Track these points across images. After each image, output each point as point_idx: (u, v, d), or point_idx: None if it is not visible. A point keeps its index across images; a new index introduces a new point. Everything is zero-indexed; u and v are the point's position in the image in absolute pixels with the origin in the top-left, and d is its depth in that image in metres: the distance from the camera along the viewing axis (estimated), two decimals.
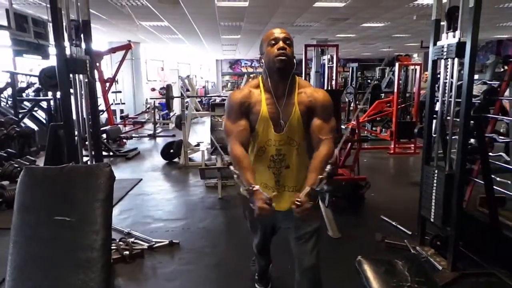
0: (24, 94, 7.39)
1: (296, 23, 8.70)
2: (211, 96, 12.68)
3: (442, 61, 2.54)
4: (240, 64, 22.09)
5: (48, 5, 2.42)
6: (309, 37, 10.68)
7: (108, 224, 1.17)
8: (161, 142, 7.92)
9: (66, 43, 2.53)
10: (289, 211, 1.69)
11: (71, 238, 1.13)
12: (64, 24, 2.51)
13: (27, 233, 1.13)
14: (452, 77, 2.46)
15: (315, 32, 10.02)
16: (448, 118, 2.56)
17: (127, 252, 2.81)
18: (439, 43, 2.53)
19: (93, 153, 2.76)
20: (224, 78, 22.34)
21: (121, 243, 2.93)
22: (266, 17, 7.82)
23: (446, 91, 2.55)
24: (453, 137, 2.56)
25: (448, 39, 2.43)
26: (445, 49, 2.42)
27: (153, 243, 3.03)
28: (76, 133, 2.59)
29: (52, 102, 6.15)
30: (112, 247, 2.84)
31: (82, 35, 2.66)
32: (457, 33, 2.35)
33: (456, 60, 2.39)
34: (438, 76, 2.64)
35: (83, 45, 2.64)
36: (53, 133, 2.47)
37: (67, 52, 2.48)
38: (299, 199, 1.45)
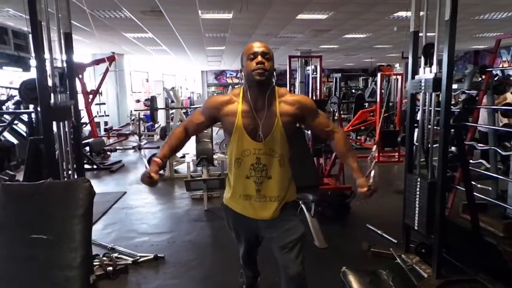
0: (3, 107, 7.21)
1: (280, 35, 8.82)
2: (196, 107, 12.65)
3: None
4: (225, 75, 22.18)
5: (28, 17, 2.39)
6: (293, 48, 10.83)
7: (87, 241, 1.13)
8: (146, 153, 7.83)
9: (47, 55, 2.49)
10: (271, 220, 1.72)
11: (48, 257, 1.09)
12: (44, 36, 2.47)
13: (2, 253, 1.09)
14: (430, 105, 2.56)
15: (298, 43, 10.17)
16: (429, 127, 2.61)
17: (110, 268, 2.73)
18: (417, 77, 2.63)
19: (74, 167, 2.70)
20: (209, 89, 22.36)
21: (104, 258, 2.86)
22: (250, 28, 7.90)
23: (426, 103, 2.61)
24: (434, 145, 2.61)
25: (426, 74, 2.53)
26: (422, 84, 2.53)
27: (138, 257, 2.96)
28: (57, 147, 2.53)
29: (33, 115, 6.02)
30: (95, 263, 2.78)
31: (63, 48, 2.63)
32: (433, 68, 2.46)
33: (433, 94, 2.50)
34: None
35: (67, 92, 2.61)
36: (33, 147, 2.41)
37: (51, 100, 2.44)
38: (369, 184, 1.66)
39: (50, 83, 2.49)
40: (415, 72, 2.71)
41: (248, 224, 1.81)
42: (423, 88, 2.53)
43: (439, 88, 2.38)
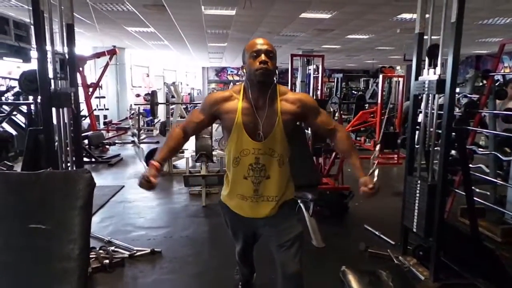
0: (3, 98, 7.17)
1: (283, 33, 8.79)
2: (197, 104, 12.63)
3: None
4: (226, 72, 22.13)
5: (30, 8, 2.36)
6: (295, 47, 10.81)
7: (86, 232, 1.12)
8: (145, 148, 7.80)
9: (48, 47, 2.47)
10: (269, 218, 1.71)
11: (47, 247, 1.07)
12: (46, 27, 2.45)
13: None
14: (433, 108, 2.55)
15: (301, 42, 10.15)
16: (431, 130, 2.61)
17: (107, 261, 2.72)
18: (420, 78, 2.62)
19: (73, 159, 2.68)
20: (210, 86, 22.31)
21: (101, 251, 2.85)
22: (253, 26, 7.88)
23: (429, 105, 2.60)
24: (435, 148, 2.60)
25: (429, 75, 2.52)
26: (426, 85, 2.52)
27: (134, 251, 2.95)
28: (56, 138, 2.51)
29: (32, 106, 6.00)
30: (92, 256, 2.76)
31: (65, 40, 2.61)
32: (438, 69, 2.45)
33: (436, 96, 2.49)
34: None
35: (66, 49, 2.58)
36: (32, 138, 2.39)
37: (52, 86, 2.43)
38: (372, 185, 1.63)
39: (51, 70, 2.47)
40: (418, 73, 2.71)
41: (245, 222, 1.80)
42: (426, 89, 2.52)
43: (442, 90, 2.37)
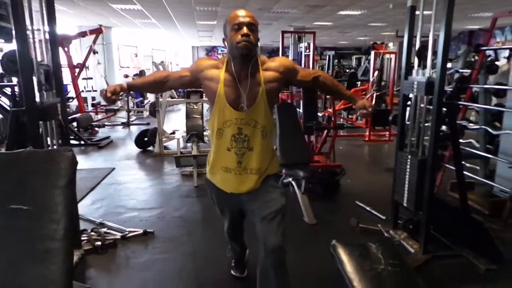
0: None
1: (274, 10, 8.60)
2: None
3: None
4: (216, 51, 21.77)
5: None
6: (286, 24, 10.61)
7: (70, 212, 1.09)
8: (135, 130, 7.72)
9: (28, 26, 2.36)
10: (252, 192, 1.72)
11: (29, 228, 1.04)
12: (25, 4, 2.34)
13: None
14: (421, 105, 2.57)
15: (292, 19, 9.96)
16: (421, 105, 2.60)
17: (99, 243, 2.72)
18: (410, 78, 2.61)
19: (60, 141, 2.62)
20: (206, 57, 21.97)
21: (92, 233, 2.84)
22: (243, 2, 7.68)
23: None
24: (425, 124, 2.60)
25: (419, 76, 2.51)
26: (415, 86, 2.53)
27: (127, 232, 2.95)
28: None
29: (16, 88, 5.83)
30: (84, 238, 2.75)
31: (45, 19, 2.50)
32: (427, 71, 2.43)
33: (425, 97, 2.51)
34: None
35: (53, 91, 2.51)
36: (14, 119, 2.31)
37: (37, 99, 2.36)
38: (367, 106, 1.70)
39: (33, 55, 2.38)
40: (410, 46, 2.66)
41: (230, 198, 1.80)
42: (415, 90, 2.53)
43: (431, 92, 2.38)
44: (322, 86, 1.86)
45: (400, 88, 2.82)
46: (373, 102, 6.57)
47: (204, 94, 4.69)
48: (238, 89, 1.63)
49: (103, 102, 10.19)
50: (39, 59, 2.47)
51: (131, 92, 1.76)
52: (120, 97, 1.71)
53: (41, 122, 2.40)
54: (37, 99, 2.38)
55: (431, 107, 2.46)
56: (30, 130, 2.17)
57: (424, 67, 2.49)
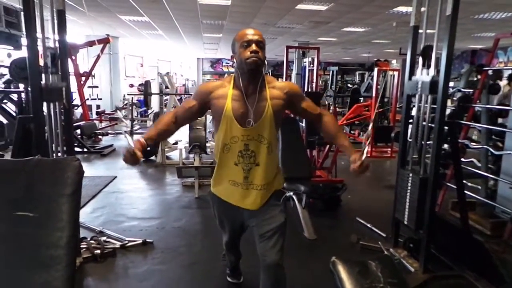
0: None
1: (279, 25, 8.73)
2: (191, 95, 12.53)
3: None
4: (221, 63, 21.97)
5: None
6: (290, 39, 10.74)
7: (74, 220, 1.11)
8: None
9: (39, 35, 2.42)
10: (255, 210, 1.74)
11: (34, 235, 1.06)
12: (37, 13, 2.40)
13: None
14: (426, 102, 2.54)
15: (297, 34, 10.09)
16: (423, 123, 2.61)
17: (98, 251, 2.71)
18: (413, 78, 2.62)
19: (64, 149, 2.65)
20: (205, 77, 22.15)
21: (92, 241, 2.84)
22: (249, 17, 7.81)
23: (422, 99, 2.61)
24: (427, 142, 2.61)
25: (423, 76, 2.52)
26: (419, 86, 2.53)
27: (126, 242, 2.95)
28: (46, 127, 2.48)
29: (23, 95, 5.91)
30: (83, 246, 2.75)
31: (56, 27, 2.55)
32: (431, 70, 2.45)
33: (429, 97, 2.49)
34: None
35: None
36: (21, 126, 2.35)
37: (43, 81, 2.39)
38: (360, 161, 1.63)
39: (41, 63, 2.43)
40: (413, 65, 2.70)
41: (233, 212, 1.81)
42: (419, 90, 2.53)
43: (435, 91, 2.38)
44: (325, 126, 1.82)
45: (404, 87, 2.77)
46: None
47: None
48: (245, 104, 1.66)
49: (108, 110, 10.29)
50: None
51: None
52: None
53: (46, 128, 2.43)
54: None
55: (433, 125, 2.47)
56: (37, 137, 2.20)
57: (429, 66, 2.48)
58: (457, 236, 2.70)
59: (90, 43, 8.60)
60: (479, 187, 3.69)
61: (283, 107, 1.75)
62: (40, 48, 2.45)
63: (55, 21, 2.56)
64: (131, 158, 1.55)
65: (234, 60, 1.70)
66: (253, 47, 1.60)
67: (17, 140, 2.29)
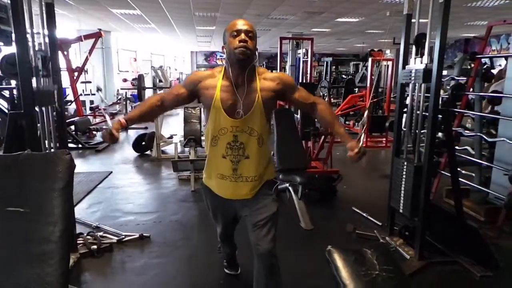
0: None
1: (272, 16, 8.67)
2: None
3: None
4: (215, 56, 21.85)
5: None
6: (284, 30, 10.68)
7: (67, 215, 1.10)
8: (132, 134, 7.71)
9: (28, 29, 2.37)
10: (246, 199, 1.74)
11: (25, 230, 1.05)
12: (25, 7, 2.35)
13: None
14: (420, 91, 2.55)
15: (290, 25, 10.03)
16: (417, 112, 2.62)
17: (95, 246, 2.71)
18: (407, 67, 2.62)
19: (57, 144, 2.63)
20: (199, 70, 22.01)
21: (88, 237, 2.83)
22: (242, 8, 7.74)
23: (416, 88, 2.61)
24: (422, 131, 2.62)
25: (416, 64, 2.52)
26: (413, 74, 2.53)
27: (123, 236, 2.94)
28: (39, 123, 2.45)
29: (15, 91, 5.83)
30: (79, 242, 2.75)
31: (45, 22, 2.51)
32: (424, 58, 2.45)
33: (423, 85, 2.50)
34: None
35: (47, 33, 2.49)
36: (12, 123, 2.32)
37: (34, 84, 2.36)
38: (357, 148, 1.60)
39: (33, 62, 2.39)
40: (406, 55, 2.70)
41: (225, 204, 1.82)
42: (413, 78, 2.53)
43: (429, 79, 2.38)
44: (319, 114, 1.79)
45: (398, 77, 2.79)
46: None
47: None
48: (235, 95, 1.64)
49: (102, 105, 10.20)
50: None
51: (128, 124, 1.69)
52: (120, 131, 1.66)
53: (39, 125, 2.41)
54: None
55: (427, 114, 2.48)
56: (29, 134, 2.17)
57: (422, 55, 2.49)
58: (452, 223, 2.73)
59: (82, 38, 8.50)
60: (473, 174, 3.72)
61: (274, 98, 1.73)
62: (30, 44, 2.41)
63: (44, 15, 2.53)
64: (109, 138, 1.60)
65: (224, 50, 1.68)
66: (242, 36, 1.58)
67: (8, 136, 2.26)
